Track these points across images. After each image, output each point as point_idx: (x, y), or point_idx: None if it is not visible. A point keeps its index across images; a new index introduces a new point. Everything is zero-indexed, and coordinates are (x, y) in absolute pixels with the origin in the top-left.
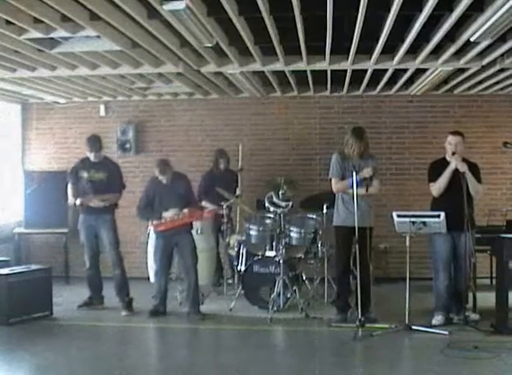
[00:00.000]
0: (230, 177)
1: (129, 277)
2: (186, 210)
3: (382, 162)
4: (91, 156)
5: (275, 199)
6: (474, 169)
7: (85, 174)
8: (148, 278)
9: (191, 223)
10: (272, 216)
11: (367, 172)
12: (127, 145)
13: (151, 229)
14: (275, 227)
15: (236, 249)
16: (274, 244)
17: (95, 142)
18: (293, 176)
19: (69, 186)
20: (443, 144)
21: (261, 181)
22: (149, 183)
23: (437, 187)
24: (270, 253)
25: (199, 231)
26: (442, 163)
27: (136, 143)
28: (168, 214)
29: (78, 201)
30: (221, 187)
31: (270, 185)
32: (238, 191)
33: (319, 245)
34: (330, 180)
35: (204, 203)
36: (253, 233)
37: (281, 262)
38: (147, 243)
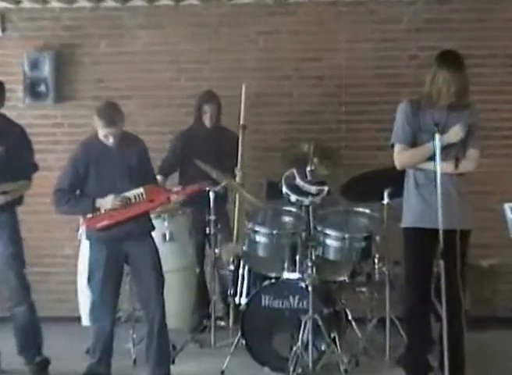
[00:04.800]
0: (222, 141)
1: (44, 317)
2: (141, 189)
3: (485, 117)
4: None
5: (299, 181)
6: None
7: None
8: (79, 318)
9: (151, 223)
10: (293, 209)
11: (456, 133)
12: (41, 88)
13: (83, 229)
14: (299, 230)
15: (232, 268)
16: (297, 258)
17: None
18: (329, 142)
19: None
20: None
21: (275, 150)
22: (78, 150)
23: None
24: (290, 274)
25: (167, 236)
26: None
27: (58, 84)
28: (107, 201)
29: None
30: (204, 159)
31: (290, 157)
32: (238, 170)
33: (375, 261)
34: (392, 147)
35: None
36: (261, 239)
37: (309, 289)
38: (76, 257)
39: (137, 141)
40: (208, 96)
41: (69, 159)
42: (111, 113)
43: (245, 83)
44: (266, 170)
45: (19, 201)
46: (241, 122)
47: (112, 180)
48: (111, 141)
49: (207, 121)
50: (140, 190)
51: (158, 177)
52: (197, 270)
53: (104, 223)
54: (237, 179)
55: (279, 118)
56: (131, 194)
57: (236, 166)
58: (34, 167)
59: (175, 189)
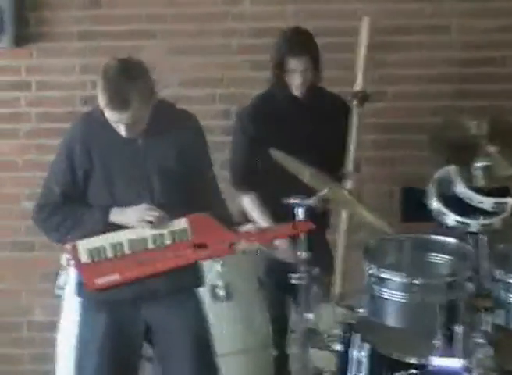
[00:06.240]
0: (323, 116)
1: None
2: (183, 221)
3: None
4: None
5: (461, 188)
6: None
7: None
8: None
9: (196, 272)
10: (451, 240)
11: None
12: None
13: (67, 276)
14: (461, 278)
15: (338, 347)
16: (458, 330)
17: None
18: None
19: None
20: None
21: (415, 131)
22: (76, 131)
23: None
24: (445, 360)
25: (221, 292)
26: None
27: (19, 12)
28: (130, 214)
29: None
30: (289, 149)
31: (444, 143)
32: (349, 170)
33: None
34: None
35: (245, 201)
36: (392, 295)
37: None
38: (54, 328)
39: (185, 122)
40: (295, 41)
41: (59, 149)
42: (121, 85)
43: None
44: (399, 168)
45: None
46: (357, 87)
47: (130, 192)
48: (123, 132)
49: (294, 85)
50: (181, 223)
51: (246, 199)
52: (274, 352)
53: (110, 278)
54: (349, 184)
55: (423, 72)
56: (165, 228)
57: (347, 161)
58: None
59: (247, 228)
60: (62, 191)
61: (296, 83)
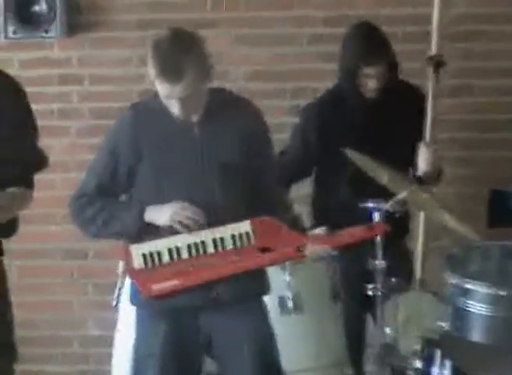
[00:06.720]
0: (403, 114)
1: None
2: (247, 223)
3: None
4: None
5: None
6: None
7: None
8: None
9: (262, 279)
10: None
11: None
12: (38, 7)
13: (123, 285)
14: None
15: (417, 364)
16: None
17: None
18: None
19: None
20: None
21: (503, 127)
22: (125, 121)
23: None
24: None
25: (290, 304)
26: None
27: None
28: (166, 212)
29: None
30: (365, 150)
31: None
32: (425, 136)
33: None
34: None
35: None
36: (478, 309)
37: None
38: (110, 342)
39: (247, 111)
40: (369, 48)
41: (102, 143)
42: (174, 54)
43: None
44: (486, 169)
45: (7, 230)
46: (433, 50)
47: (180, 190)
48: (176, 110)
49: (367, 89)
50: (245, 226)
51: None
52: (350, 371)
53: (168, 284)
54: (424, 158)
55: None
56: (226, 231)
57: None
58: (39, 162)
59: (315, 232)
60: (98, 185)
61: (369, 88)
